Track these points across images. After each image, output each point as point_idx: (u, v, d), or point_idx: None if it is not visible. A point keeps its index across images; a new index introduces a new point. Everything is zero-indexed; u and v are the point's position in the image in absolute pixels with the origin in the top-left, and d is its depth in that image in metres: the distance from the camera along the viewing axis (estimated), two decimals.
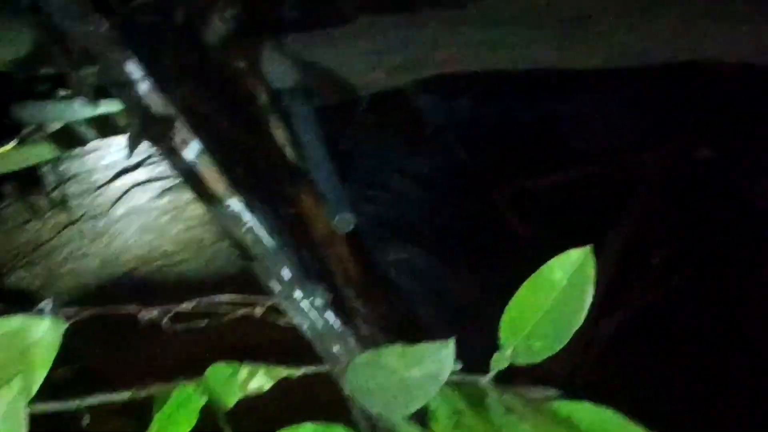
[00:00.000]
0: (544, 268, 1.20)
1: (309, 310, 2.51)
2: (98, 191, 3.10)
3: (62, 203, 3.11)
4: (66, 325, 0.99)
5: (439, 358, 1.22)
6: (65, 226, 3.05)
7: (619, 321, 2.94)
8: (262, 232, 2.51)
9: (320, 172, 2.80)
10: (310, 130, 2.92)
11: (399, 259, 2.96)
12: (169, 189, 3.04)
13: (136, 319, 1.21)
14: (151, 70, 2.56)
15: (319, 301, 2.57)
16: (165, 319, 1.25)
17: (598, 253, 2.91)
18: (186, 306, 1.26)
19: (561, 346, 1.19)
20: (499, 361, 1.21)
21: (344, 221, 2.74)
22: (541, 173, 3.19)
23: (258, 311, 1.27)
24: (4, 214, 3.06)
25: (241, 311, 1.31)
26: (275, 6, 3.29)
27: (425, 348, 1.20)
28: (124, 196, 3.08)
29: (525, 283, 1.21)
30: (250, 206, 2.49)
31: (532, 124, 3.24)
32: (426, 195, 3.11)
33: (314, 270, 2.72)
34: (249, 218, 2.48)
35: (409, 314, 2.87)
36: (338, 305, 2.70)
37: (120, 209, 3.07)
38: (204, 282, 3.01)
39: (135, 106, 2.40)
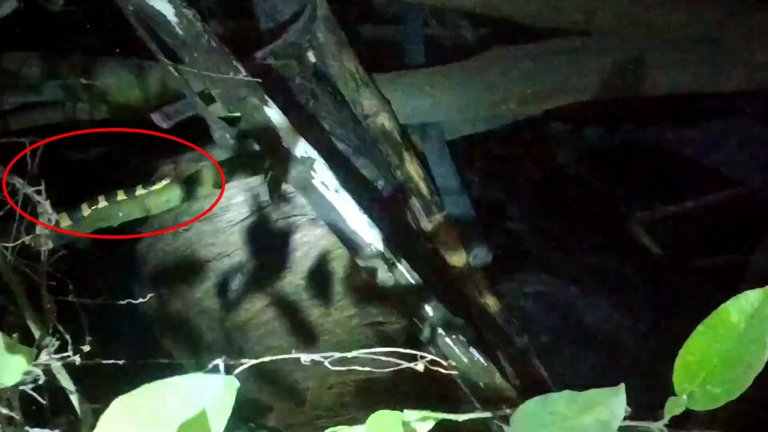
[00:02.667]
0: (719, 310, 1.15)
1: (453, 346, 2.50)
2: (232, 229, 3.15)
3: (198, 242, 3.16)
4: (239, 384, 0.98)
5: (610, 404, 1.18)
6: (204, 264, 3.10)
7: None
8: (405, 270, 2.55)
9: (455, 205, 2.80)
10: (444, 163, 2.92)
11: (536, 291, 2.93)
12: (301, 225, 3.06)
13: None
14: (288, 113, 2.61)
15: (462, 338, 2.56)
16: (326, 362, 1.25)
17: (742, 275, 2.80)
18: (346, 355, 1.26)
19: (741, 391, 1.13)
20: (674, 407, 1.16)
21: (481, 254, 2.73)
22: (676, 198, 3.12)
23: (420, 367, 1.26)
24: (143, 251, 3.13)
25: (403, 365, 1.30)
26: (403, 42, 3.32)
27: (595, 394, 1.17)
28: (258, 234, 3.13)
29: (699, 327, 1.16)
30: (391, 244, 2.52)
31: (665, 149, 3.18)
32: (560, 224, 3.07)
33: (454, 305, 2.71)
34: (391, 256, 2.50)
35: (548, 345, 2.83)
36: (479, 340, 2.69)
37: (254, 246, 3.11)
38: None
39: (276, 149, 2.44)
